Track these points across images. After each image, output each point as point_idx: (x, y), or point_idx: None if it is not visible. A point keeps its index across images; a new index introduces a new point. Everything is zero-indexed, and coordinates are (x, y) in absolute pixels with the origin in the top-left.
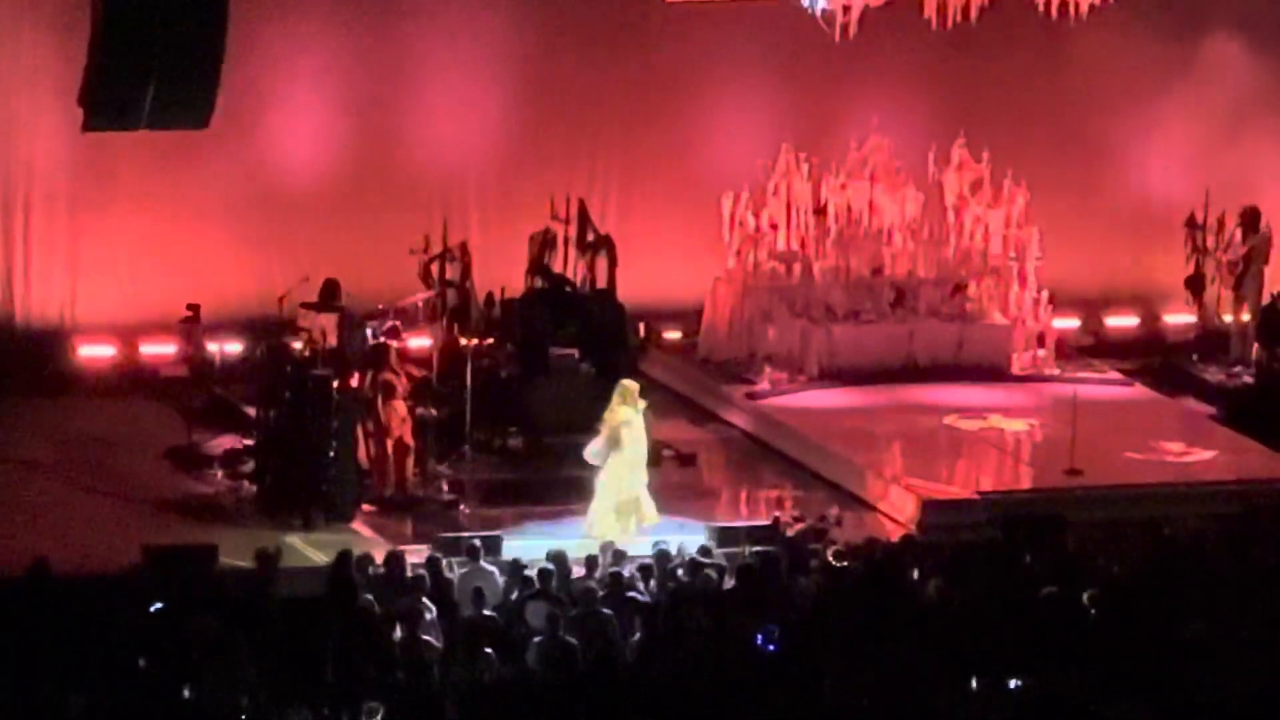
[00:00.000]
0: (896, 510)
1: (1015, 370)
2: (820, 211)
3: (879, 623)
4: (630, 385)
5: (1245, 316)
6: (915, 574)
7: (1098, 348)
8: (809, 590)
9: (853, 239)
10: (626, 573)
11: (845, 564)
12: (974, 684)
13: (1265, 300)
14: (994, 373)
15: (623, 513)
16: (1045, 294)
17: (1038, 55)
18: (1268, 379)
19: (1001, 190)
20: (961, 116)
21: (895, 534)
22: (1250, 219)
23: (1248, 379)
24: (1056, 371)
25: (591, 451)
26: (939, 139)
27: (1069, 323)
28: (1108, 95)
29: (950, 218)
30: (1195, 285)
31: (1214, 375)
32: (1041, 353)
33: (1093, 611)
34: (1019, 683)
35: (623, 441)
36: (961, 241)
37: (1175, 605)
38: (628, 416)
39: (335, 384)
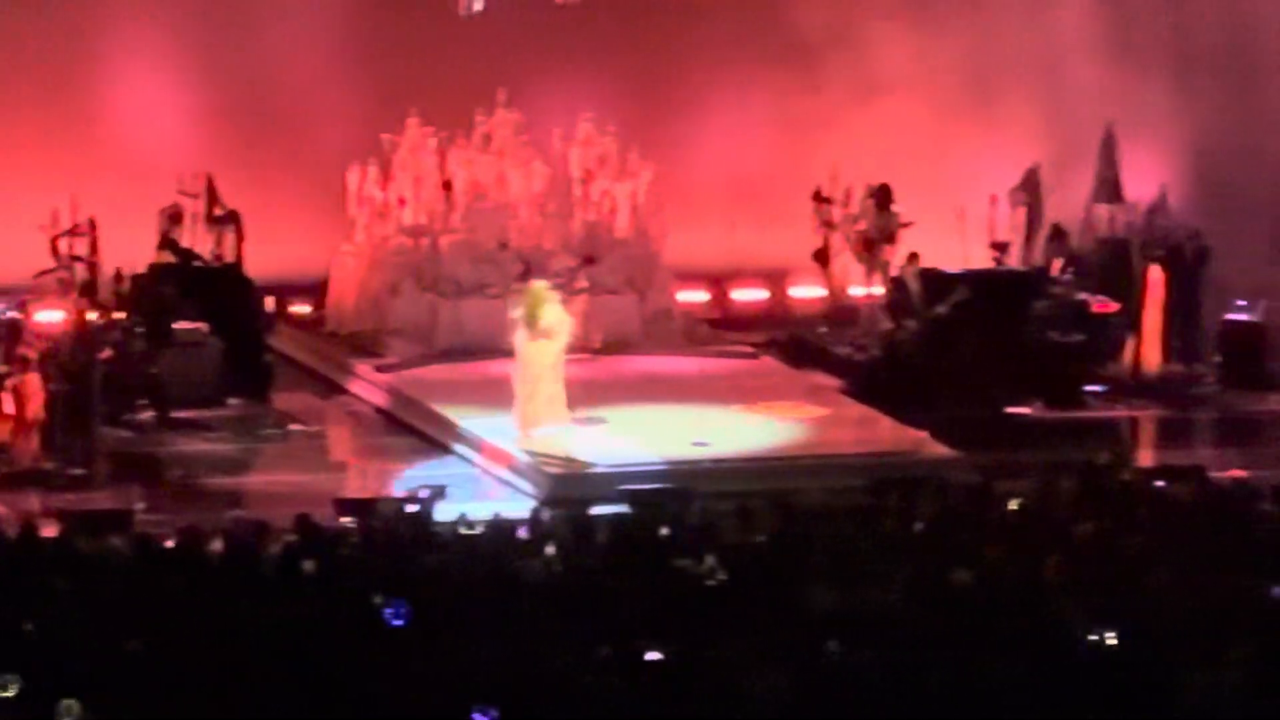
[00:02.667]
0: (524, 482)
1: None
2: (447, 185)
3: (508, 593)
4: (542, 284)
5: (875, 289)
6: (552, 547)
7: (725, 321)
8: (435, 564)
9: (479, 213)
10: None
11: (472, 533)
12: (604, 652)
13: (894, 274)
14: (621, 346)
15: (539, 407)
16: (671, 268)
17: (664, 31)
18: (894, 352)
19: (628, 164)
20: (588, 91)
21: (523, 506)
22: (882, 196)
23: (875, 352)
24: (683, 345)
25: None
26: (565, 113)
27: (697, 296)
28: (734, 69)
29: (577, 191)
30: (822, 258)
31: (841, 348)
32: (669, 326)
33: (720, 583)
34: (657, 655)
35: (551, 335)
36: (588, 215)
37: (806, 576)
38: (556, 314)
39: None
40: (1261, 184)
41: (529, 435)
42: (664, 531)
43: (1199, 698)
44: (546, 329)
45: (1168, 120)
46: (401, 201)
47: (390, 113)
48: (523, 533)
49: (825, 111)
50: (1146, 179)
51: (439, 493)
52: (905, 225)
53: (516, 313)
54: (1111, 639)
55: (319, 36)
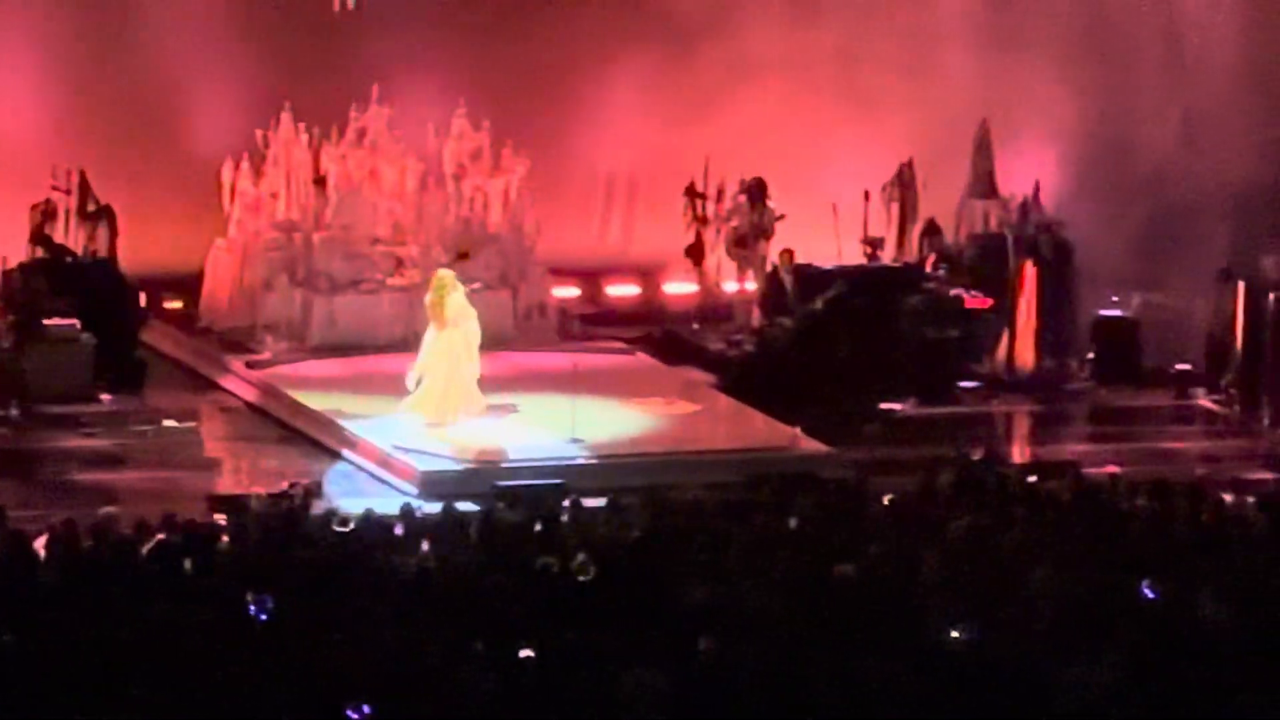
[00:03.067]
0: (397, 479)
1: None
2: (320, 181)
3: (381, 589)
4: (447, 274)
5: (749, 285)
6: (426, 544)
7: (599, 316)
8: (308, 560)
9: (353, 209)
10: None
11: (346, 530)
12: (479, 647)
13: (768, 269)
14: (494, 342)
15: (451, 397)
16: (546, 262)
17: (539, 25)
18: (768, 348)
19: (501, 159)
20: (462, 86)
21: (395, 503)
22: (756, 190)
23: (748, 348)
24: (557, 340)
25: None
26: (439, 108)
27: (570, 292)
28: (608, 64)
29: (451, 186)
30: (695, 254)
31: (715, 344)
32: (542, 321)
33: (594, 579)
34: (530, 653)
35: (457, 323)
36: (462, 211)
37: (679, 572)
38: (459, 302)
39: None
40: (1135, 176)
41: (437, 426)
42: (537, 528)
43: (1073, 694)
44: (451, 318)
45: (1044, 112)
46: (275, 197)
47: (264, 108)
48: (398, 529)
49: (699, 106)
50: (1023, 173)
51: (312, 489)
52: (779, 219)
53: (426, 301)
54: (986, 636)
55: (194, 31)
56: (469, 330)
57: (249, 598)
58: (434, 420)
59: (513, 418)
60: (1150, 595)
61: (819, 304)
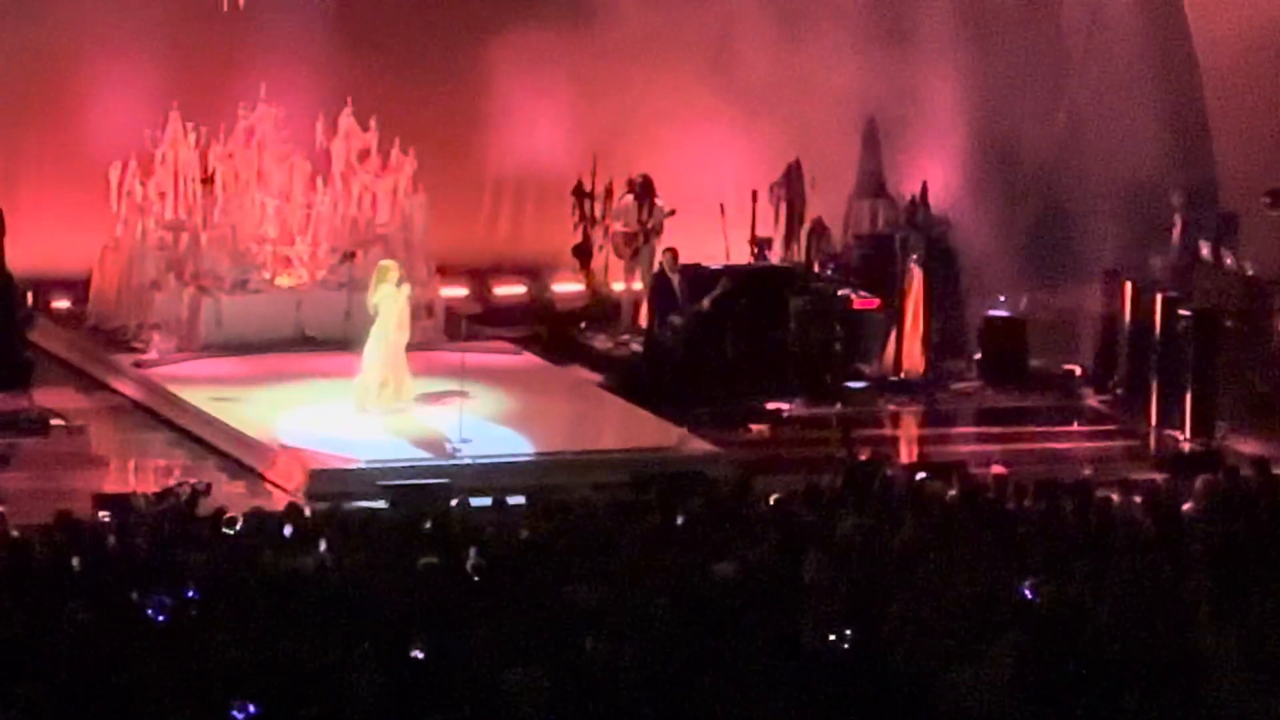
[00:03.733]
0: (284, 478)
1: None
2: (208, 180)
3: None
4: (388, 263)
5: (637, 285)
6: (324, 544)
7: (486, 316)
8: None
9: (240, 208)
10: None
11: (234, 530)
12: (365, 648)
13: (655, 269)
14: None
15: (385, 385)
16: (433, 262)
17: (424, 23)
18: (656, 348)
19: (389, 158)
20: (349, 85)
21: (283, 502)
22: (643, 189)
23: (636, 348)
24: (444, 340)
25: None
26: (326, 107)
27: (457, 291)
28: (495, 63)
29: (338, 186)
30: (583, 254)
31: (602, 344)
32: (430, 322)
33: (477, 579)
34: (419, 653)
35: (381, 314)
36: (349, 210)
37: (566, 572)
38: (386, 293)
39: None
40: (1023, 176)
41: (366, 412)
42: (425, 527)
43: (958, 695)
44: (373, 308)
45: (932, 112)
46: (163, 196)
47: (152, 108)
48: (286, 529)
49: (587, 106)
50: (911, 173)
51: (199, 488)
52: (669, 214)
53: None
54: (871, 636)
55: (82, 31)
56: (385, 324)
57: (143, 597)
58: (368, 407)
59: (399, 418)
60: (1030, 597)
61: (706, 304)
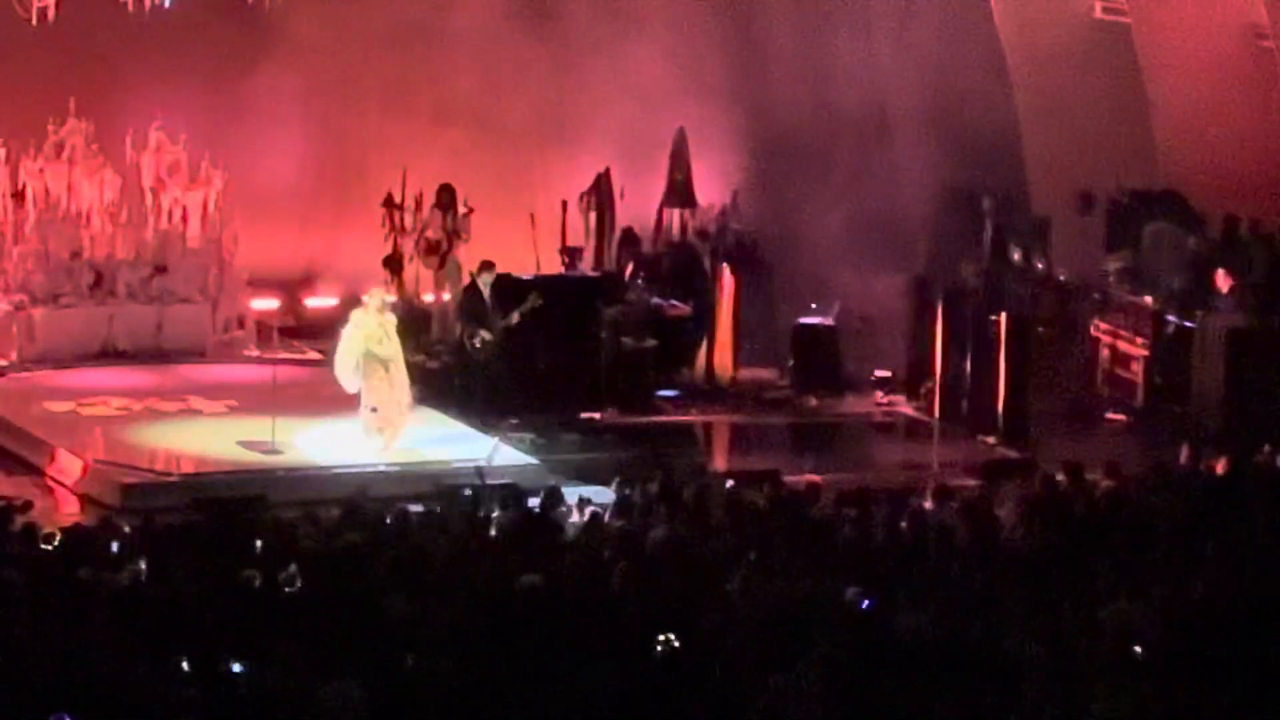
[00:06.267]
0: (99, 492)
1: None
2: (18, 195)
3: (83, 604)
4: (380, 291)
5: (446, 296)
6: (129, 557)
7: (298, 328)
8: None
9: (51, 222)
10: None
11: (50, 546)
12: (184, 665)
13: (465, 280)
14: (193, 355)
15: (371, 421)
16: (244, 275)
17: (230, 36)
18: (467, 358)
19: (200, 172)
20: (158, 99)
21: (95, 516)
22: (447, 198)
23: (447, 358)
24: (256, 353)
25: None
26: (136, 121)
27: (269, 304)
28: (302, 73)
29: (149, 200)
30: (394, 265)
31: (414, 355)
32: (241, 334)
33: (295, 592)
34: (240, 667)
35: (344, 339)
36: (160, 223)
37: (379, 584)
38: (355, 319)
39: None
40: (834, 182)
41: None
42: (238, 539)
43: (772, 702)
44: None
45: (739, 120)
46: None
47: None
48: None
49: (396, 118)
50: (720, 181)
51: (16, 504)
52: (469, 213)
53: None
54: (684, 645)
55: None
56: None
57: None
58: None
59: (211, 427)
60: (865, 604)
61: (516, 315)
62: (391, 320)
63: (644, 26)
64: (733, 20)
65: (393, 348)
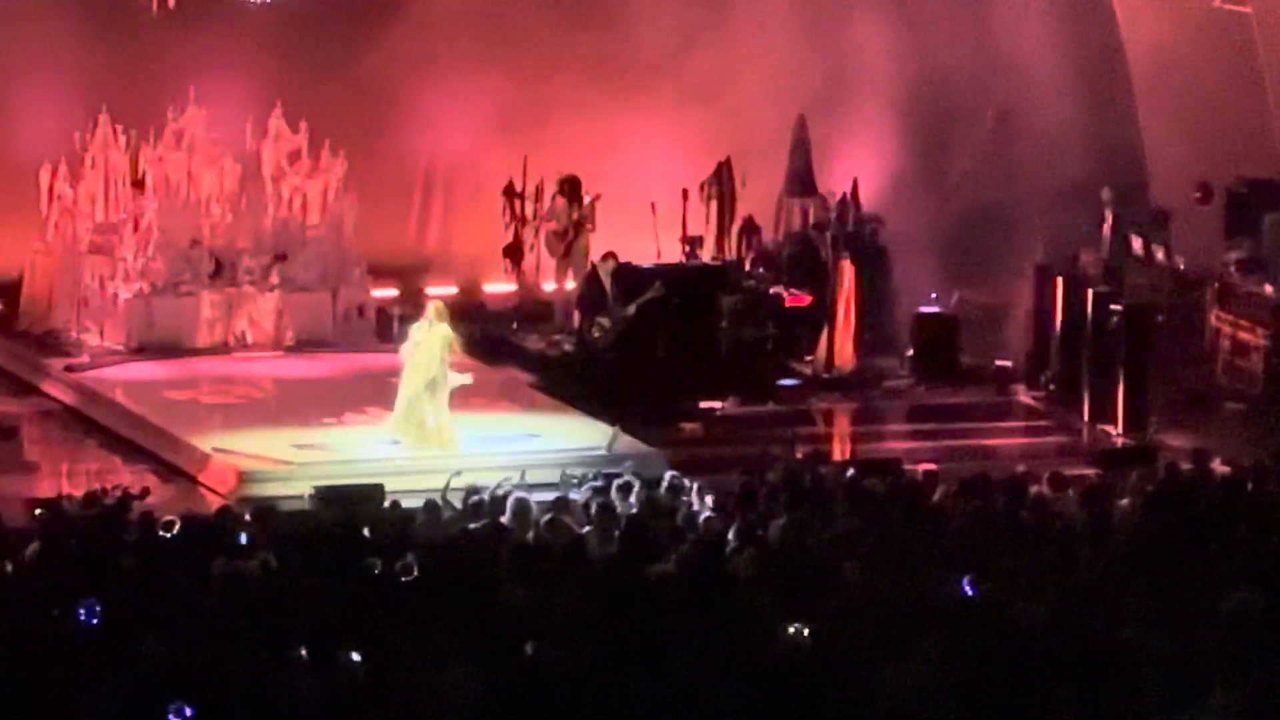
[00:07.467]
0: (217, 482)
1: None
2: (139, 183)
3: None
4: (436, 303)
5: (569, 285)
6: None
7: (419, 317)
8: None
9: (171, 210)
10: None
11: (168, 534)
12: (303, 653)
13: (587, 268)
14: (316, 344)
15: (409, 422)
16: (364, 263)
17: (353, 24)
18: (587, 348)
19: (319, 160)
20: (278, 86)
21: (215, 505)
22: (572, 189)
23: (567, 348)
24: (377, 341)
25: None
26: (256, 109)
27: (388, 292)
28: (425, 60)
29: (268, 188)
30: (514, 254)
31: (534, 344)
32: (362, 322)
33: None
34: (355, 655)
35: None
36: (280, 212)
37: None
38: (417, 334)
39: None
40: (953, 173)
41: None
42: (359, 530)
43: (891, 692)
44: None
45: (862, 110)
46: (93, 200)
47: (82, 111)
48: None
49: (518, 105)
50: (842, 171)
51: (132, 491)
52: (595, 199)
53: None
54: (805, 634)
55: (10, 33)
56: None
57: (71, 601)
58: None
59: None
60: (969, 592)
61: (637, 304)
62: (441, 332)
63: (767, 14)
64: (850, 13)
65: (439, 365)
